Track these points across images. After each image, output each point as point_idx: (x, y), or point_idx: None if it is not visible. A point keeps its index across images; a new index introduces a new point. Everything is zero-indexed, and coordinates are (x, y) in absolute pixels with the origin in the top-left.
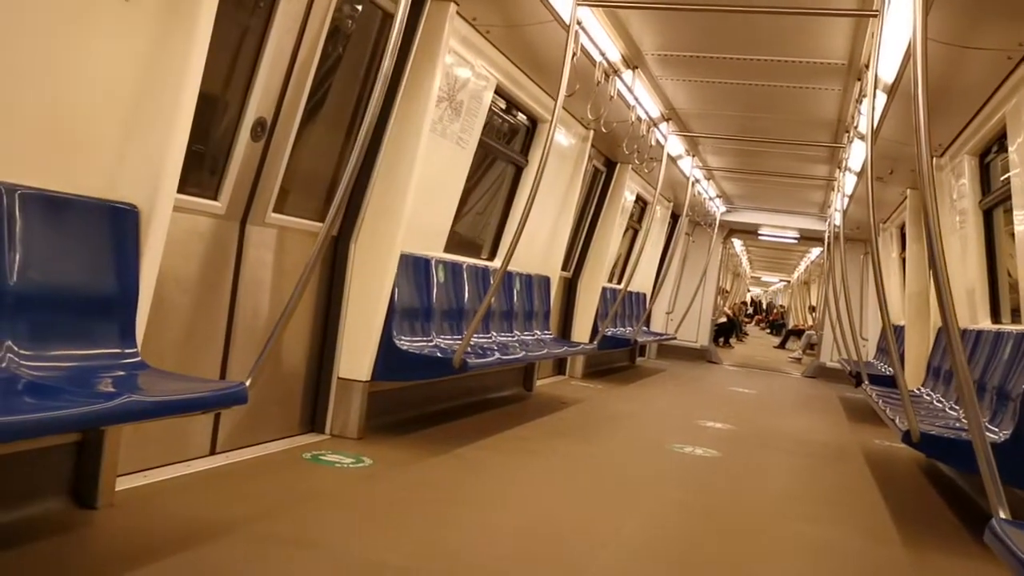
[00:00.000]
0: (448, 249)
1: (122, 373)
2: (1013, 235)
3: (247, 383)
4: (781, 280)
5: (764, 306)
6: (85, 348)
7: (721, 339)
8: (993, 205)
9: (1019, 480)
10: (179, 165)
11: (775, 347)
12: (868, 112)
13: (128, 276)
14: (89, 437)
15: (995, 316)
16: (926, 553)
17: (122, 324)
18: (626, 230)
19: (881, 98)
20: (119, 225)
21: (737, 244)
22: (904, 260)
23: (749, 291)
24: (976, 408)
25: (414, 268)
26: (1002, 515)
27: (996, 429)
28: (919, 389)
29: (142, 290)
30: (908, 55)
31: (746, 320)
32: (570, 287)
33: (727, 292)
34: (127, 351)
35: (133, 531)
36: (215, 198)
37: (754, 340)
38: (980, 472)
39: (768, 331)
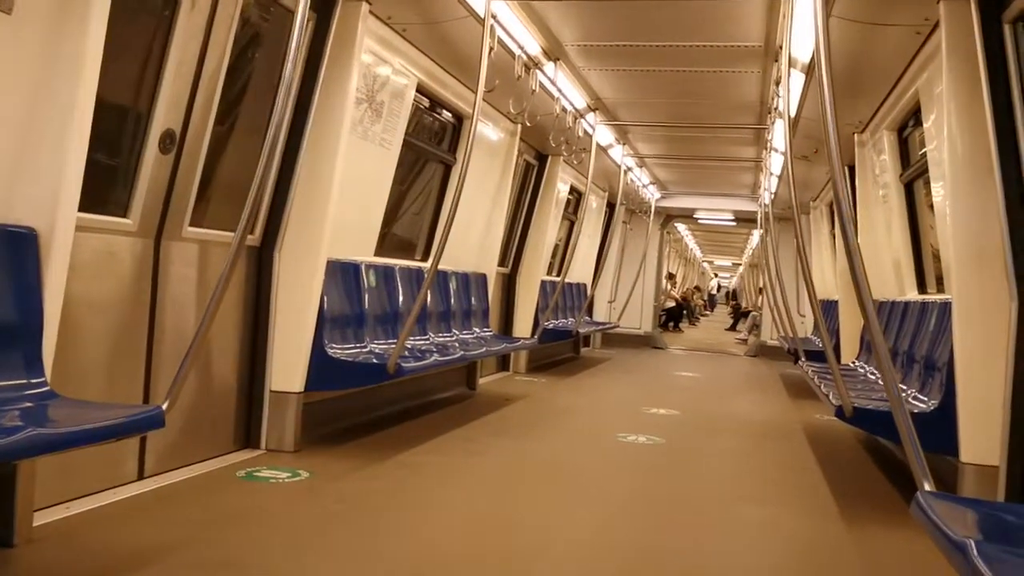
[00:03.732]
0: (385, 252)
1: (29, 405)
2: (932, 207)
3: (164, 406)
4: (734, 263)
5: (731, 292)
6: None
7: (671, 324)
8: (913, 178)
9: (950, 448)
10: (78, 183)
11: (727, 329)
12: (784, 93)
13: (30, 302)
14: (1, 472)
15: (921, 287)
16: (866, 527)
17: (27, 353)
18: (563, 222)
19: (799, 78)
20: (16, 250)
21: (681, 228)
22: (835, 236)
23: (716, 276)
24: (894, 380)
25: (343, 274)
26: (927, 487)
27: (925, 399)
28: (854, 363)
29: (47, 316)
30: None
31: (702, 303)
32: (509, 282)
33: (673, 276)
34: (34, 381)
35: (53, 567)
36: (125, 215)
37: (707, 323)
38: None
39: (732, 316)
